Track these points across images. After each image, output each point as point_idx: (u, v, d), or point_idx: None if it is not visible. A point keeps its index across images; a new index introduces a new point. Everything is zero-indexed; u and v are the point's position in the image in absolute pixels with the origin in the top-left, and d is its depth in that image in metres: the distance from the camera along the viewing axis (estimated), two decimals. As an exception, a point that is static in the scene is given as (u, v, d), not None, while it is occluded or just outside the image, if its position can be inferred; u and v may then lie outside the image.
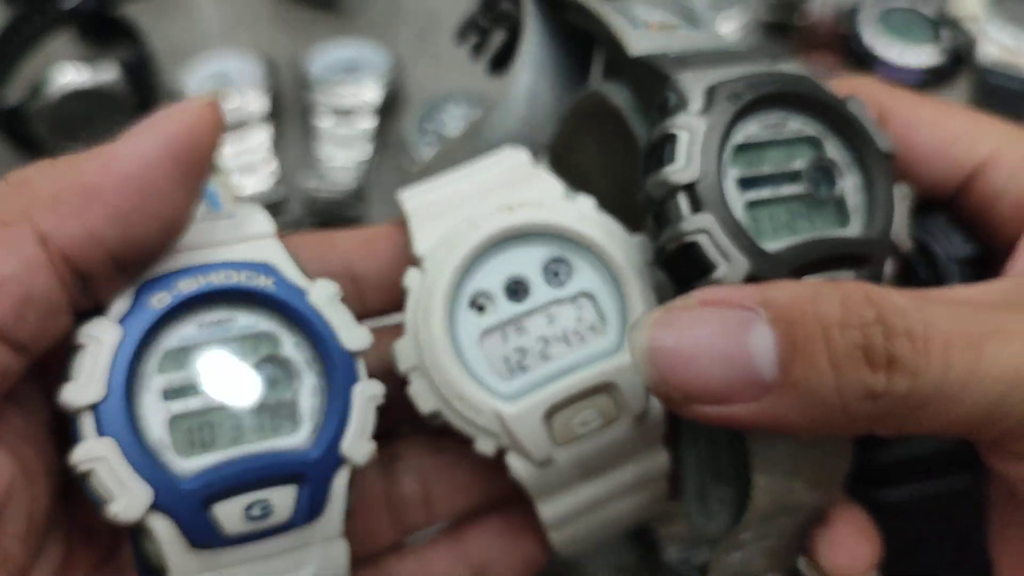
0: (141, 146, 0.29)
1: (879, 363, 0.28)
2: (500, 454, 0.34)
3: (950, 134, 0.37)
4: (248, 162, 0.75)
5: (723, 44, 0.37)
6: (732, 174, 0.33)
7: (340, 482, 0.31)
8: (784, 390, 0.28)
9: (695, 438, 0.39)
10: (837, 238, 0.33)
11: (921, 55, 0.74)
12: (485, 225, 0.35)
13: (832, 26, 0.79)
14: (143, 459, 0.29)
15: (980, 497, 0.37)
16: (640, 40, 0.36)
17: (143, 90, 0.74)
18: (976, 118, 0.38)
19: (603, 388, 0.34)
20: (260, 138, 0.76)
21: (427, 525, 0.38)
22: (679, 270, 0.33)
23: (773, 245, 0.32)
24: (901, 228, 0.34)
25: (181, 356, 0.31)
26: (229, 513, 0.30)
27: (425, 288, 0.34)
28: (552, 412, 0.34)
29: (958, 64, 0.75)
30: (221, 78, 0.78)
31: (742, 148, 0.34)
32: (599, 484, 0.35)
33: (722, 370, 0.28)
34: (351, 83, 0.77)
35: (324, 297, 0.32)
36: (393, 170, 0.75)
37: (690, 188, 0.32)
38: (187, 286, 0.31)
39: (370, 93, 0.77)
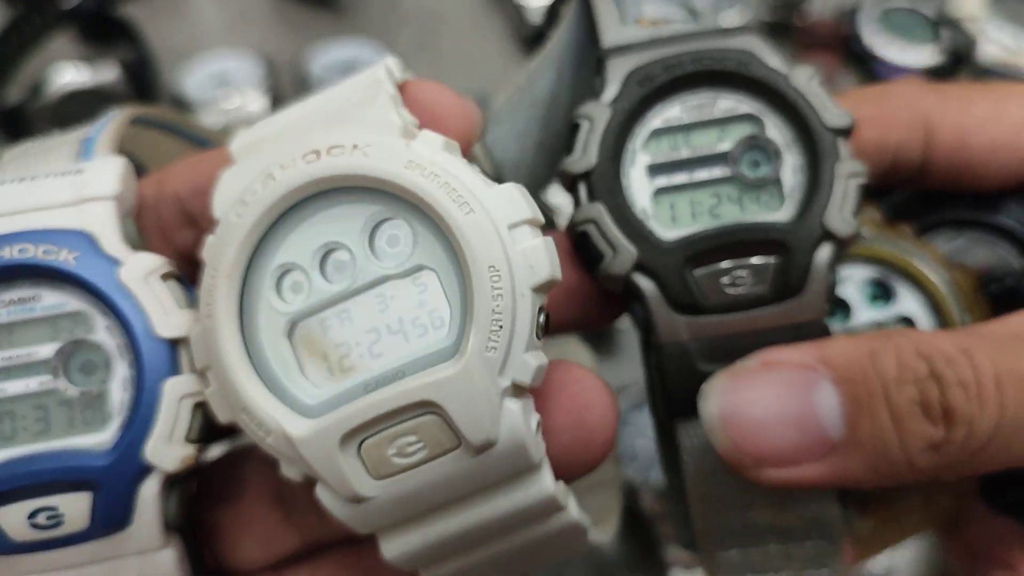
0: None
1: (936, 416, 0.29)
2: (310, 481, 0.27)
3: (1010, 127, 0.36)
4: (248, 162, 0.75)
5: (693, 28, 0.35)
6: (642, 160, 0.33)
7: (148, 491, 0.28)
8: (851, 448, 0.29)
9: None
10: (749, 224, 0.32)
11: (921, 55, 0.74)
12: (282, 177, 0.27)
13: (832, 26, 0.79)
14: None
15: None
16: (618, 33, 0.34)
17: (143, 90, 0.74)
18: None
19: (422, 407, 0.25)
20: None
21: (325, 532, 0.33)
22: (582, 257, 0.32)
23: (681, 232, 0.32)
24: (839, 211, 0.31)
25: None
26: (11, 520, 0.27)
27: (212, 263, 0.27)
28: (354, 437, 0.26)
29: (958, 64, 0.75)
30: (221, 78, 0.78)
31: (660, 132, 0.33)
32: (454, 520, 0.27)
33: (792, 432, 0.29)
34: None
35: (138, 273, 0.28)
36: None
37: (587, 177, 0.32)
38: None
39: (370, 93, 0.77)
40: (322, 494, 0.26)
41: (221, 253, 0.26)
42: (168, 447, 0.27)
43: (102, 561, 0.28)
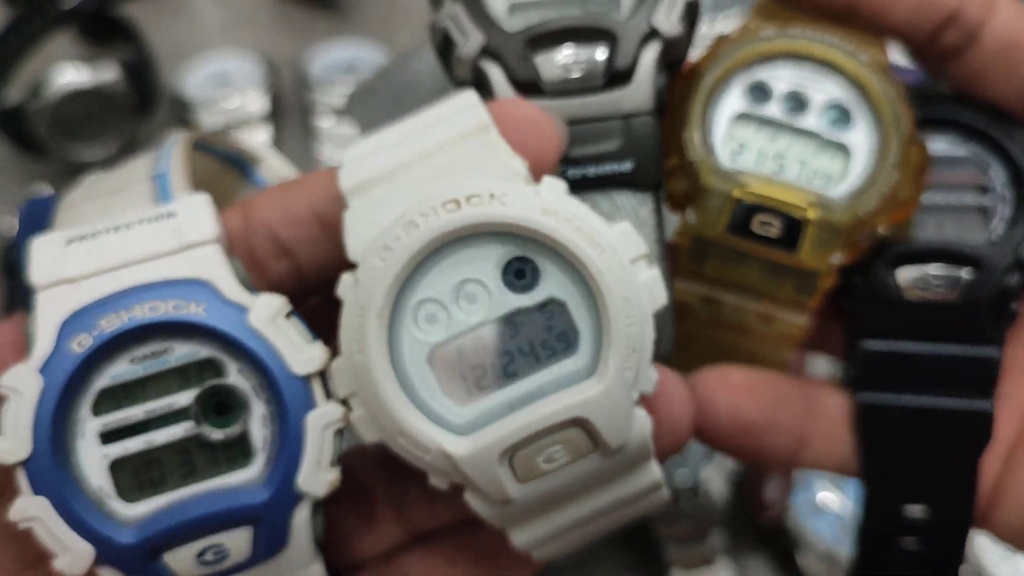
0: None
1: None
2: (457, 487, 0.30)
3: None
4: (248, 162, 0.75)
5: None
6: None
7: (301, 517, 0.30)
8: None
9: None
10: (580, 16, 0.36)
11: (921, 55, 0.74)
12: (426, 225, 0.29)
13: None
14: (81, 513, 0.28)
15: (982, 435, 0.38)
16: None
17: (143, 90, 0.74)
18: None
19: (573, 423, 0.29)
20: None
21: (433, 522, 0.36)
22: (441, 51, 0.37)
23: (521, 24, 0.36)
24: (666, 14, 0.36)
25: (117, 394, 0.29)
26: (180, 561, 0.29)
27: (357, 302, 0.29)
28: (511, 452, 0.29)
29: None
30: (221, 78, 0.78)
31: None
32: (577, 508, 0.31)
33: None
34: (351, 83, 0.77)
35: (266, 316, 0.29)
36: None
37: None
38: (108, 324, 0.29)
39: (370, 93, 0.77)
40: (472, 499, 0.30)
41: (369, 294, 0.29)
42: (317, 475, 0.29)
43: None
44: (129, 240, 0.30)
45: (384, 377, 0.29)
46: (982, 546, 0.60)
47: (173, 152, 0.35)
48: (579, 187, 0.34)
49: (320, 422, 0.29)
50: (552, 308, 0.30)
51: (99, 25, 0.76)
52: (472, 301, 0.30)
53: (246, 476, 0.30)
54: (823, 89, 0.38)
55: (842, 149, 0.38)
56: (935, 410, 0.38)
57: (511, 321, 0.30)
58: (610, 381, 0.29)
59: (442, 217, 0.29)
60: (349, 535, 0.34)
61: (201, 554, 0.29)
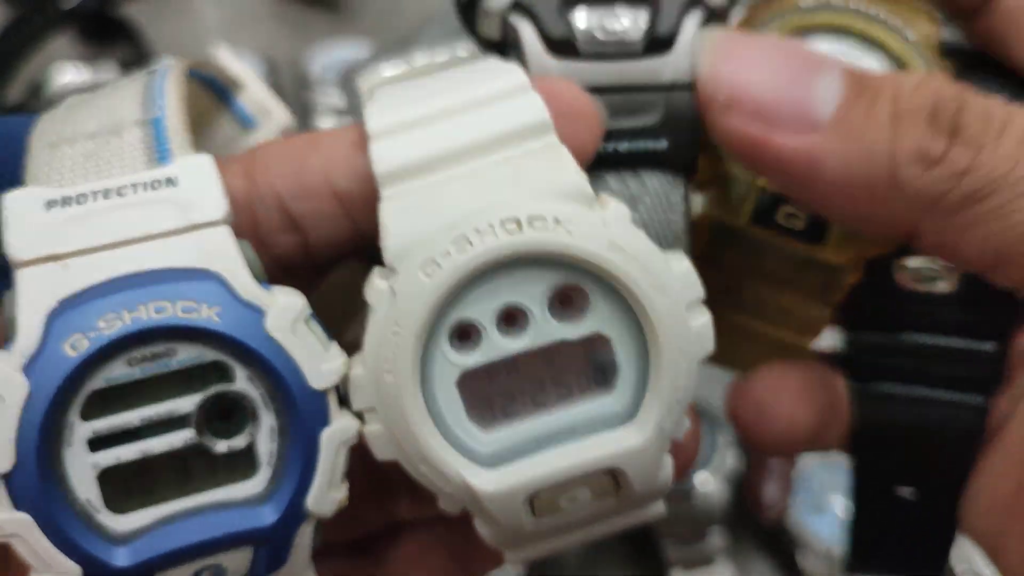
0: None
1: (942, 127, 0.27)
2: (466, 515, 0.29)
3: None
4: (248, 162, 0.75)
5: None
6: None
7: (304, 536, 0.27)
8: (834, 131, 0.27)
9: None
10: None
11: (921, 55, 0.74)
12: (481, 245, 0.26)
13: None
14: (69, 531, 0.25)
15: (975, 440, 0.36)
16: None
17: (143, 90, 0.74)
18: None
19: (607, 472, 0.28)
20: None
21: (412, 515, 0.34)
22: (463, 4, 0.34)
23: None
24: None
25: (110, 397, 0.26)
26: None
27: (393, 317, 0.27)
28: (537, 493, 0.28)
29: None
30: (221, 78, 0.78)
31: None
32: (580, 535, 0.30)
33: (777, 88, 0.28)
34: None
35: (286, 321, 0.26)
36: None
37: None
38: (108, 325, 0.25)
39: (370, 93, 0.77)
40: (481, 526, 0.29)
41: (409, 311, 0.26)
42: (328, 495, 0.27)
43: None
44: (124, 211, 0.26)
45: (414, 403, 0.27)
46: (982, 546, 0.60)
47: (168, 89, 0.30)
48: (608, 163, 0.30)
49: (336, 440, 0.27)
50: (595, 342, 0.28)
51: (99, 25, 0.76)
52: (513, 325, 0.28)
53: (247, 491, 0.27)
54: (864, 67, 0.35)
55: None
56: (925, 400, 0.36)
57: (549, 350, 0.28)
58: (650, 433, 0.27)
59: (500, 238, 0.26)
60: (327, 522, 0.32)
61: (196, 574, 0.26)
